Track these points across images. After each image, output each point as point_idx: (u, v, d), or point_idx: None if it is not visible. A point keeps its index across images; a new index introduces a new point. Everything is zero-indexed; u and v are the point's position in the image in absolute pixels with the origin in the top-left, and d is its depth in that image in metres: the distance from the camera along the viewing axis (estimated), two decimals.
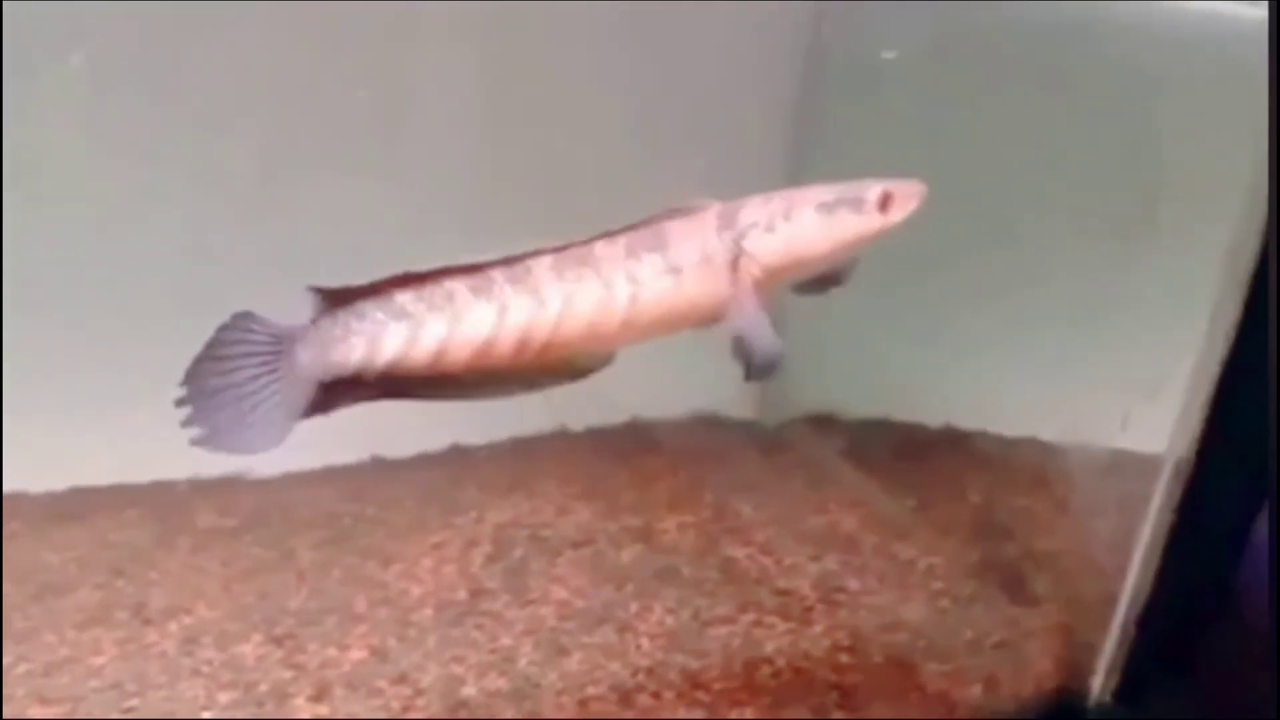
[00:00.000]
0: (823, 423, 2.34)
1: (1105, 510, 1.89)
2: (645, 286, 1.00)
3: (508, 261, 0.99)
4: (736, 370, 2.74)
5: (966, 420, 2.23)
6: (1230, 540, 1.56)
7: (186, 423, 0.96)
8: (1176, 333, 1.55)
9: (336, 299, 0.99)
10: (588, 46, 1.84)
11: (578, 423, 2.30)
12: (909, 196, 1.05)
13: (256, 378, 0.97)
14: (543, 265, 0.99)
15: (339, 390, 1.00)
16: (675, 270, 1.01)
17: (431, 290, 0.98)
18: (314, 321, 0.99)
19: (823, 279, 1.10)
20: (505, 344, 0.98)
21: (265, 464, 2.03)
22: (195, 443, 0.96)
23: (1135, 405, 1.70)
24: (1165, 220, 1.74)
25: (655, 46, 1.87)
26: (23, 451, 1.79)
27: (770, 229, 1.02)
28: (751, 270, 1.02)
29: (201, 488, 1.97)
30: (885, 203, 1.04)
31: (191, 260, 1.81)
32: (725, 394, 2.40)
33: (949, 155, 1.90)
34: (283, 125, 1.78)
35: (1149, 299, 1.75)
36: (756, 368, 1.02)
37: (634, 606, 1.69)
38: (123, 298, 1.80)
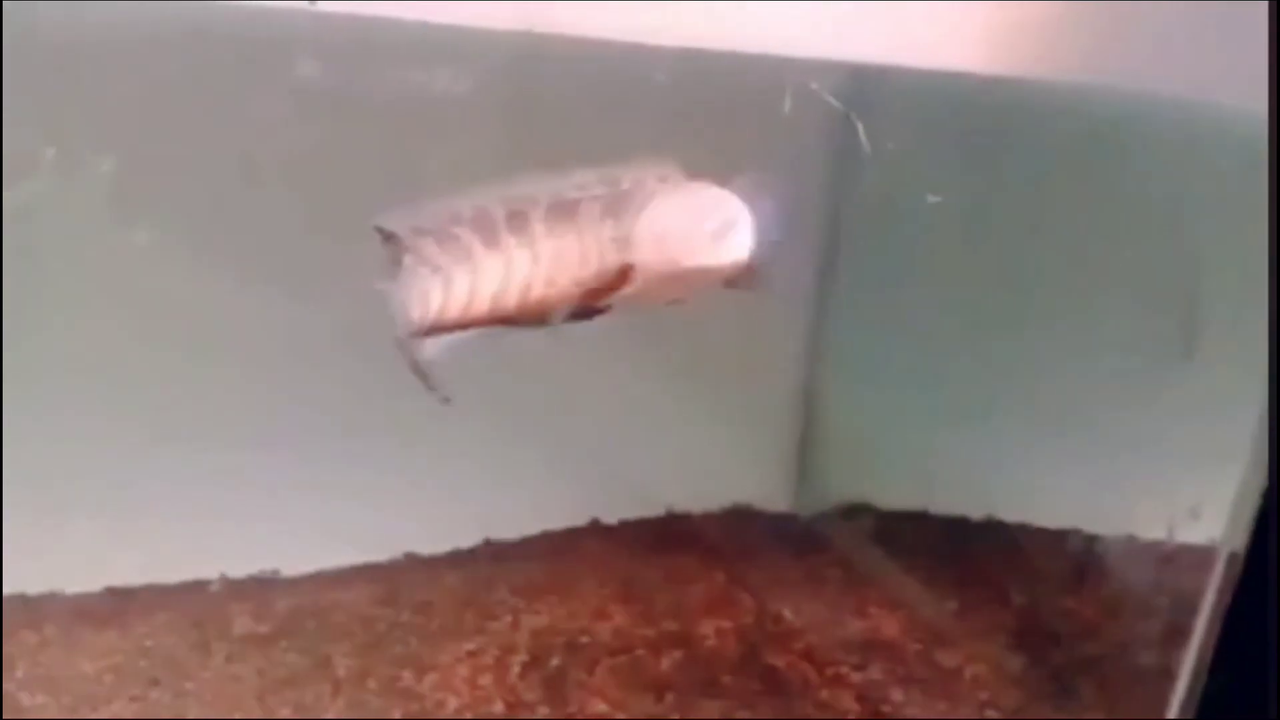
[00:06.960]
0: (860, 515, 2.30)
1: (1153, 608, 1.84)
2: (611, 252, 0.99)
3: (506, 202, 1.00)
4: (771, 458, 2.67)
5: (1009, 511, 2.19)
6: None
7: None
8: (1227, 430, 1.52)
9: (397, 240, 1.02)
10: None
11: (611, 515, 2.27)
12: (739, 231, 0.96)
13: None
14: (537, 215, 0.99)
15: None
16: (625, 240, 0.98)
17: (451, 244, 1.00)
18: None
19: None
20: (510, 297, 0.99)
21: (297, 563, 2.02)
22: None
23: (1179, 521, 1.67)
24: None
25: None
26: (56, 551, 1.79)
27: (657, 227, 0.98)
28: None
29: (234, 588, 1.95)
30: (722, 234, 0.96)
31: (222, 358, 1.80)
32: (760, 483, 2.37)
33: (992, 258, 1.90)
34: (307, 215, 1.78)
35: (1199, 387, 1.72)
36: None
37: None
38: (152, 395, 1.80)
